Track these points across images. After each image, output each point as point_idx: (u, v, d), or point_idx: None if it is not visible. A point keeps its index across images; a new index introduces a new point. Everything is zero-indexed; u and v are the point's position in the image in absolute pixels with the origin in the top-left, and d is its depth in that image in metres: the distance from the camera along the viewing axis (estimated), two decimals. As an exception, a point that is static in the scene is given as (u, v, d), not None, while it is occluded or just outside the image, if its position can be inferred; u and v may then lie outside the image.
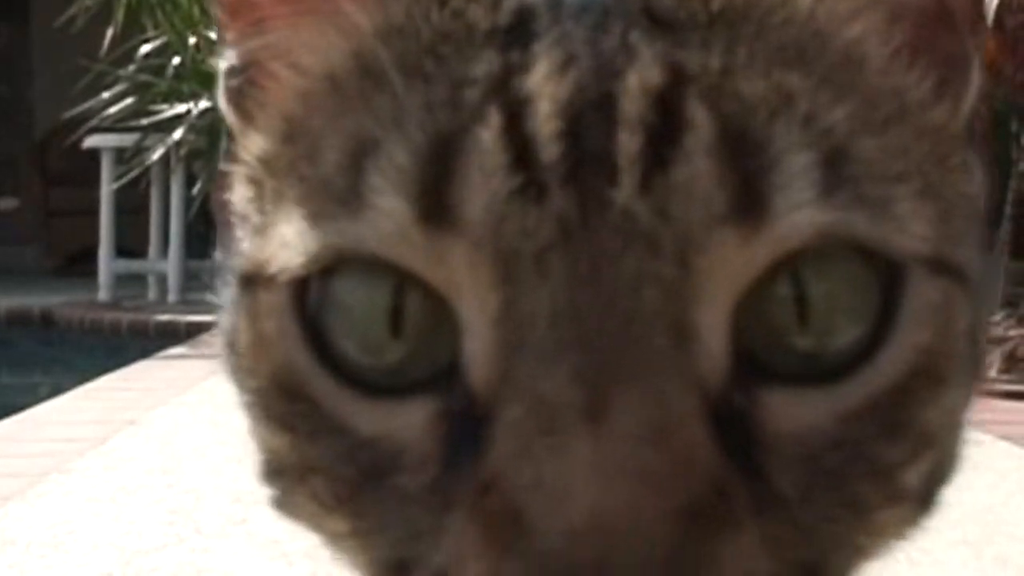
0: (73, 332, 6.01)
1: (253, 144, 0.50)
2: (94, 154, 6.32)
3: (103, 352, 5.03)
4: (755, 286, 0.42)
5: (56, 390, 3.30)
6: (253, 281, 0.47)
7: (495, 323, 0.42)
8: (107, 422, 2.74)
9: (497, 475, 0.40)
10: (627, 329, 0.40)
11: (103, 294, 6.56)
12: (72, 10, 5.56)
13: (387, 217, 0.43)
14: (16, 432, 2.69)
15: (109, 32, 5.41)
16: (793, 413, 0.43)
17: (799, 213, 0.41)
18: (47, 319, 6.40)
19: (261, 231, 0.47)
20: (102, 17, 5.51)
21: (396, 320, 0.44)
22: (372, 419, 0.44)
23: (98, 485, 2.15)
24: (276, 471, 0.48)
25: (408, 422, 0.44)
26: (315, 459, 0.46)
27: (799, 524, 0.42)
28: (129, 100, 5.57)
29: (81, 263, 7.49)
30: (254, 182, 0.49)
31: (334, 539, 0.47)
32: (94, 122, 5.70)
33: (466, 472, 0.41)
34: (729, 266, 0.42)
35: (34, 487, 2.11)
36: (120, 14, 5.42)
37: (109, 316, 5.95)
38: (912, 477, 0.45)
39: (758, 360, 0.43)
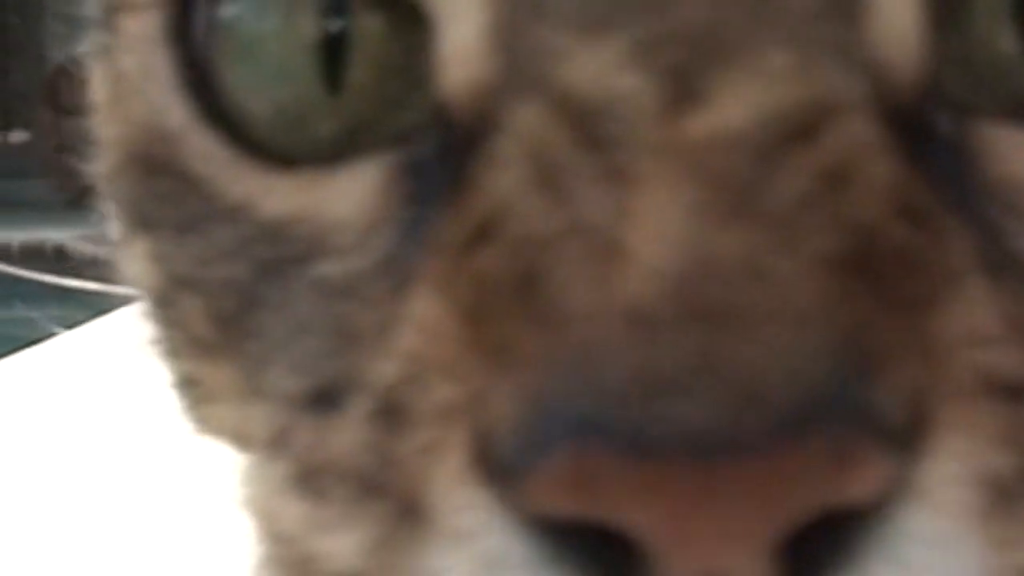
0: (87, 266, 5.45)
1: None
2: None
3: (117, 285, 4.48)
4: None
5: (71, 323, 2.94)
6: (115, 7, 0.34)
7: None
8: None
9: (497, 217, 0.27)
10: None
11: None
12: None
13: None
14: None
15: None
16: None
17: None
18: (60, 253, 6.14)
19: None
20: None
21: (329, 63, 0.30)
22: (287, 196, 0.31)
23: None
24: (149, 311, 0.35)
25: (345, 192, 0.31)
26: (187, 265, 0.33)
27: None
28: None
29: (94, 196, 7.53)
30: None
31: (222, 401, 0.33)
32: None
33: (439, 235, 0.28)
34: None
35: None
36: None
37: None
38: None
39: (967, 84, 0.29)
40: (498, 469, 0.26)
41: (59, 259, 5.92)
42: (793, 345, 0.24)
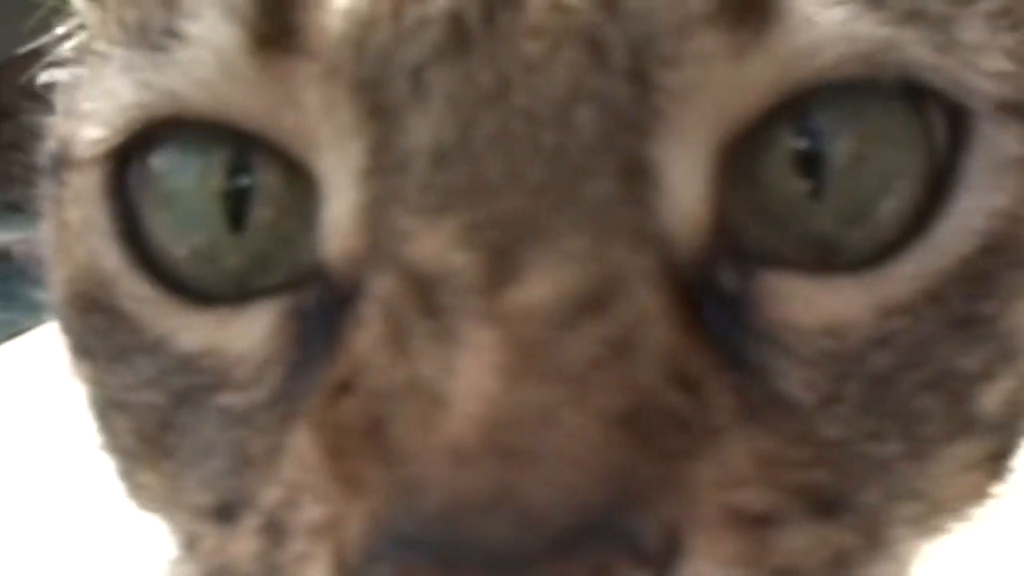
0: (30, 268, 5.28)
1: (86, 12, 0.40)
2: (49, 88, 5.69)
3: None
4: (751, 127, 0.33)
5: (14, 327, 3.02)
6: (61, 162, 0.40)
7: (361, 175, 0.33)
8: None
9: (356, 371, 0.32)
10: (550, 168, 0.31)
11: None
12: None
13: (207, 49, 0.34)
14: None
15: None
16: (811, 303, 0.33)
17: (824, 17, 0.32)
18: (3, 256, 5.84)
19: (73, 106, 0.40)
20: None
21: (235, 208, 0.35)
22: (199, 332, 0.36)
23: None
24: (95, 419, 0.41)
25: (246, 331, 0.35)
26: (116, 390, 0.38)
27: (817, 440, 0.33)
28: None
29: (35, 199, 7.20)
30: (79, 52, 0.41)
31: (147, 499, 0.39)
32: (50, 57, 5.02)
33: (316, 376, 0.33)
34: (713, 89, 0.32)
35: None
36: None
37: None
38: (988, 401, 0.35)
39: (754, 235, 0.33)
40: None
41: (2, 260, 5.99)
42: (570, 481, 0.29)
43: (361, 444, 0.31)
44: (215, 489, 0.36)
